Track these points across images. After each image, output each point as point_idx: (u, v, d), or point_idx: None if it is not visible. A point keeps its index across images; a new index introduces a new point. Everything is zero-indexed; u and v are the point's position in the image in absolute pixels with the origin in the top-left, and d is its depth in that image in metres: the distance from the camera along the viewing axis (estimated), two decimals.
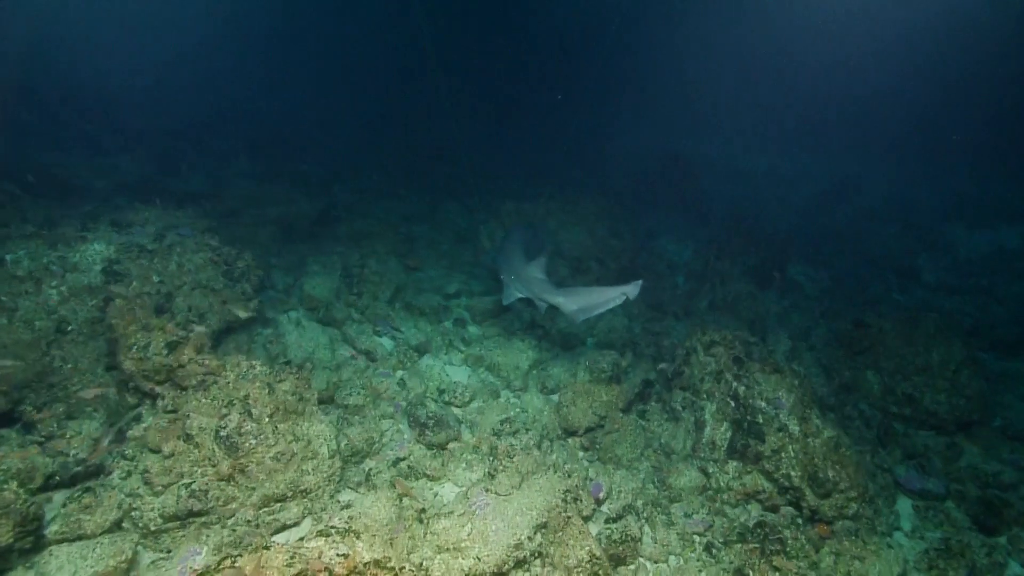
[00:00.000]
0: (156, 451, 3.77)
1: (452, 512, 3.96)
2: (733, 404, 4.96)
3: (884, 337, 6.50)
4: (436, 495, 4.55)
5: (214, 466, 3.82)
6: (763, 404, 4.75)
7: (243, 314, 5.67)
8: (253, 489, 3.90)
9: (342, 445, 4.68)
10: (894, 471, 5.26)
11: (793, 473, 4.40)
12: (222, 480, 3.80)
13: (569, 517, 3.87)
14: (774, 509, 4.49)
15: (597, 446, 5.16)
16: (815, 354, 7.23)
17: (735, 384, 5.01)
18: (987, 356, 7.94)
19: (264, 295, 6.96)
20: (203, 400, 4.05)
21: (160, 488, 3.65)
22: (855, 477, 4.35)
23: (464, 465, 4.76)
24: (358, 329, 6.57)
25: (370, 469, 4.70)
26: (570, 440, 5.30)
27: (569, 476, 4.26)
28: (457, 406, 5.67)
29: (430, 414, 5.11)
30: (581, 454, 5.22)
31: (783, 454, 4.47)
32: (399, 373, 6.05)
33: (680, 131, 22.05)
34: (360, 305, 7.00)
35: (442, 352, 6.53)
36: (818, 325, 8.18)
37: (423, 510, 4.11)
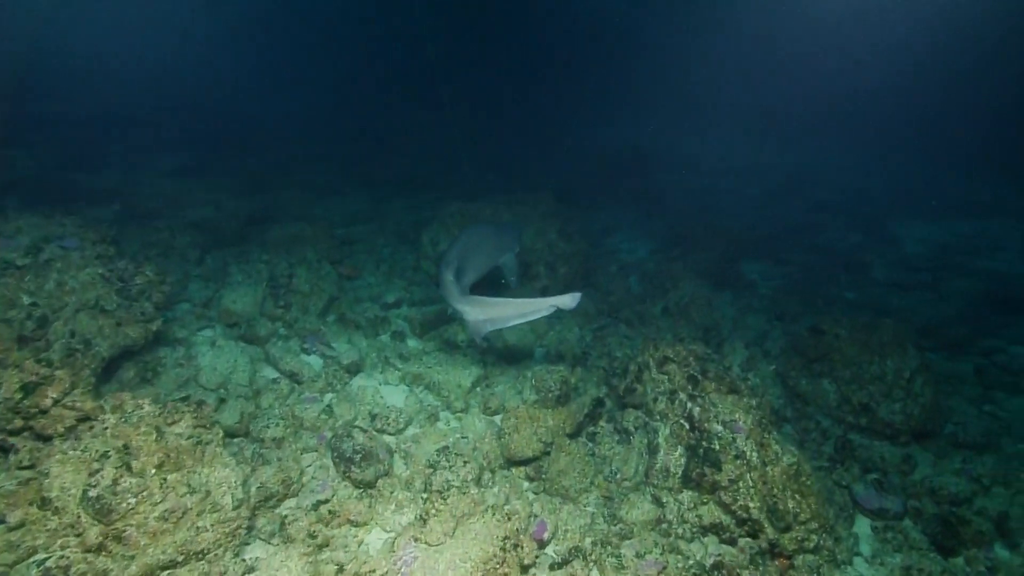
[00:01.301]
0: (0, 521, 3.10)
1: (375, 571, 3.46)
2: (688, 427, 4.61)
3: (840, 344, 6.29)
4: (361, 544, 4.02)
5: (79, 535, 3.18)
6: (719, 428, 4.41)
7: (141, 337, 4.96)
8: (131, 558, 3.27)
9: (252, 491, 4.08)
10: (852, 489, 5.04)
11: (751, 504, 4.08)
12: (89, 551, 3.17)
13: (507, 573, 3.41)
14: (731, 542, 4.17)
15: (543, 476, 4.72)
16: (771, 361, 7.00)
17: (690, 405, 4.66)
18: (935, 357, 7.92)
19: (176, 311, 6.23)
20: (70, 452, 3.39)
21: (3, 569, 2.99)
22: (816, 508, 4.06)
23: (394, 506, 4.24)
24: (283, 347, 5.93)
25: (286, 516, 4.12)
26: (514, 470, 4.85)
27: (509, 519, 3.80)
28: (390, 433, 5.13)
29: (357, 447, 4.55)
30: (526, 485, 4.77)
31: (741, 484, 4.14)
32: (327, 397, 5.47)
33: (663, 127, 21.78)
34: (288, 319, 6.35)
35: (377, 371, 5.96)
36: (774, 328, 7.99)
37: (342, 567, 3.59)
